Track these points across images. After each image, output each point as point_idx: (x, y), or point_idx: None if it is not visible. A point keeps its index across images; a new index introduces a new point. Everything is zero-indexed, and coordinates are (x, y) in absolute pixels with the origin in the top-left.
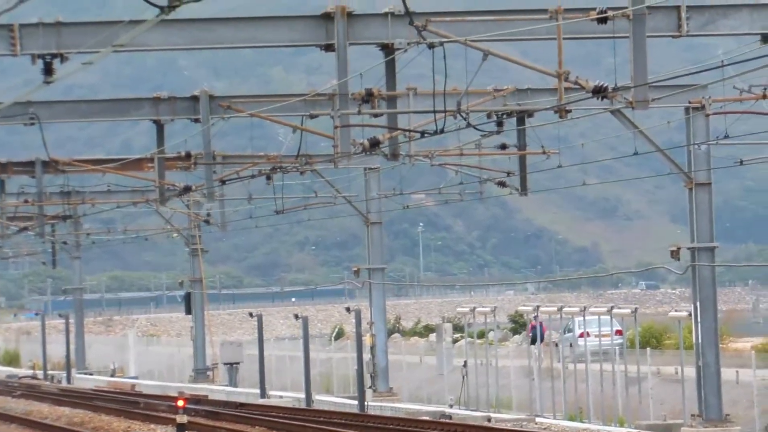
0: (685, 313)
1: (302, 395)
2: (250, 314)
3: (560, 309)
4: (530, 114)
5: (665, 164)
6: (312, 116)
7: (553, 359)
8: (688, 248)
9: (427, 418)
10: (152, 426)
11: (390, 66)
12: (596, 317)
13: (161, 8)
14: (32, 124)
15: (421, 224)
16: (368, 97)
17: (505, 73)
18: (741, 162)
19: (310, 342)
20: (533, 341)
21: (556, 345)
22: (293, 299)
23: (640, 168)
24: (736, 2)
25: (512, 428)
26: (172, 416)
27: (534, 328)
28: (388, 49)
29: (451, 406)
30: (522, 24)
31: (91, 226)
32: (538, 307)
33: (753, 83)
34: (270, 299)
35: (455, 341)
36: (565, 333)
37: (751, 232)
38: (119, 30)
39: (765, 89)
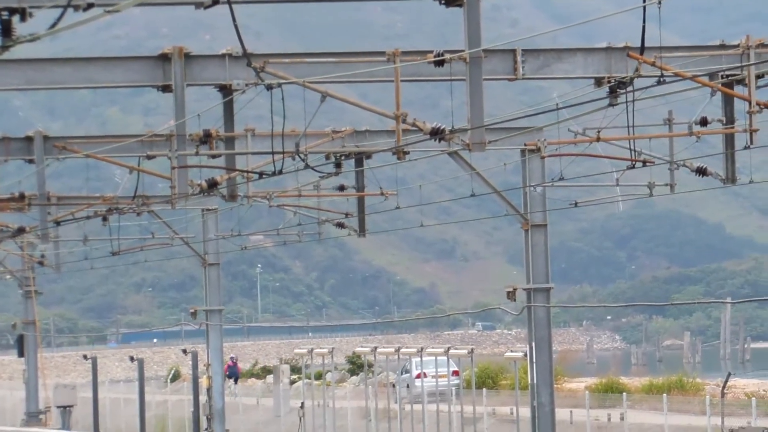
0: (520, 354)
1: None
2: (85, 357)
3: (398, 350)
4: (368, 155)
5: (502, 206)
6: (149, 157)
7: (391, 400)
8: (524, 289)
9: None
10: None
11: (228, 107)
12: (433, 358)
13: None
14: None
15: (259, 265)
16: (206, 138)
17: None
18: (576, 204)
19: (146, 384)
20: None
21: (393, 386)
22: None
23: (477, 209)
24: (570, 46)
25: None
26: None
27: (230, 367)
28: (226, 90)
29: None
30: (360, 66)
31: None
32: (375, 348)
33: (587, 126)
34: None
35: (293, 382)
36: (402, 374)
37: (585, 273)
38: None
39: (598, 132)
